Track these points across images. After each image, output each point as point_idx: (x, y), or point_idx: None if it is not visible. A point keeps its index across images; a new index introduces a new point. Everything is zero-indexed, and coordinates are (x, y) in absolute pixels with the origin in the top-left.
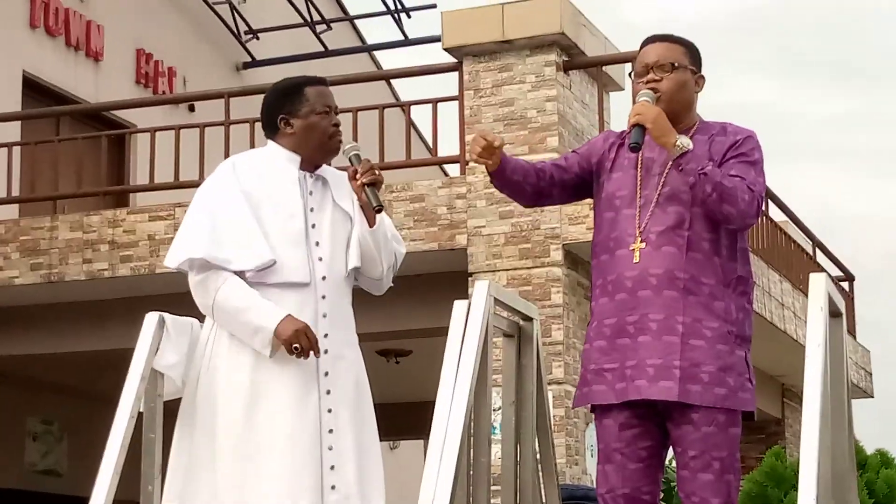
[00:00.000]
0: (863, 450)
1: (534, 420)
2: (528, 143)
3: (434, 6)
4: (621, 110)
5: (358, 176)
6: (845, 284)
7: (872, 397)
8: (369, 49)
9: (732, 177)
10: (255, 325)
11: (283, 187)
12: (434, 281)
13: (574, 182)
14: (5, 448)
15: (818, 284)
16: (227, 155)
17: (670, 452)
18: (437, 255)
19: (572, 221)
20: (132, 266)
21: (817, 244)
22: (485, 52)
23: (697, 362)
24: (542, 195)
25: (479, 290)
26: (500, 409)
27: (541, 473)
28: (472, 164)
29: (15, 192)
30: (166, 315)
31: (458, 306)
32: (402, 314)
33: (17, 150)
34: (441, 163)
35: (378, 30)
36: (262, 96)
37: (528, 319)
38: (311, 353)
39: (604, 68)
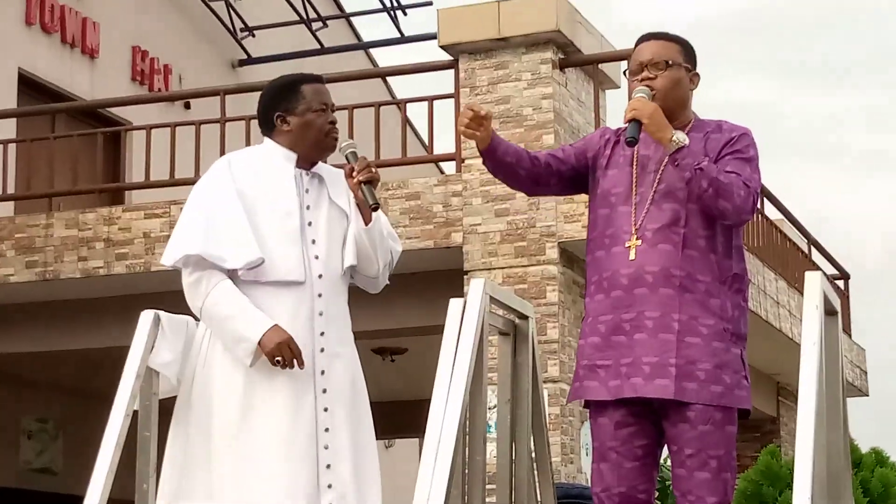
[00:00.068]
0: (858, 448)
1: (529, 418)
2: (524, 140)
3: (430, 3)
4: (617, 108)
5: (354, 173)
6: (840, 283)
7: (868, 396)
8: (365, 46)
9: (728, 173)
10: (240, 335)
11: (280, 185)
12: (430, 279)
13: (570, 174)
14: (0, 446)
15: (813, 282)
16: (222, 152)
17: (665, 451)
18: (432, 253)
19: (568, 219)
20: (128, 264)
21: (813, 242)
22: (481, 50)
23: (693, 360)
24: (539, 183)
25: (475, 288)
26: (495, 407)
27: (536, 472)
28: (467, 161)
29: (10, 190)
30: (162, 313)
31: (454, 304)
32: (397, 312)
33: (12, 147)
34: (437, 160)
35: (374, 27)
36: (258, 94)
37: (524, 317)
38: (297, 362)
39: (600, 66)
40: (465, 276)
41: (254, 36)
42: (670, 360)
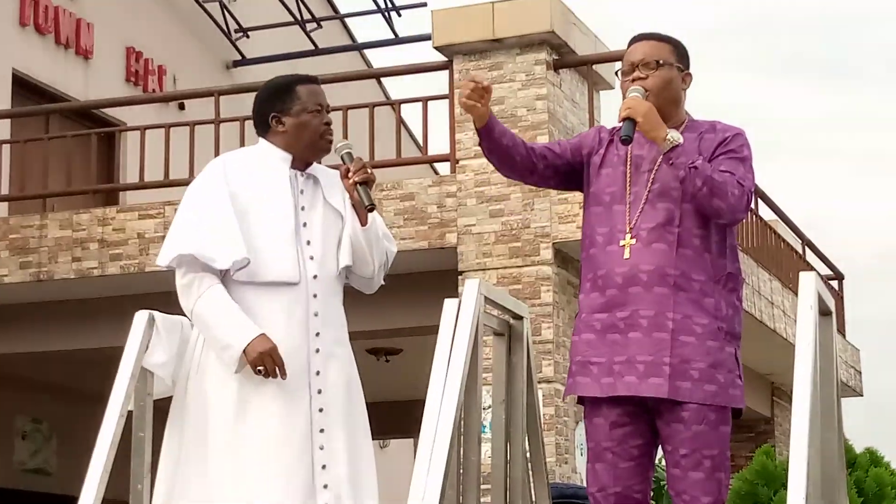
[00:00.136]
0: (852, 448)
1: (524, 418)
2: None
3: (424, 4)
4: (611, 109)
5: (350, 174)
6: (835, 283)
7: (862, 396)
8: (359, 47)
9: (722, 172)
10: (226, 342)
11: (275, 186)
12: (424, 279)
13: (565, 169)
14: None
15: (808, 283)
16: (217, 153)
17: (660, 451)
18: (427, 254)
19: (562, 220)
20: (122, 264)
21: (807, 243)
22: (475, 51)
23: (687, 359)
24: (534, 172)
25: (470, 288)
26: (489, 407)
27: (531, 472)
28: (462, 162)
29: (4, 191)
30: (156, 313)
31: (449, 305)
32: (392, 313)
33: (6, 147)
34: (431, 161)
35: (368, 28)
36: (252, 95)
37: (518, 318)
38: (279, 373)
39: (594, 67)
40: (460, 277)
41: (248, 37)
42: (664, 359)
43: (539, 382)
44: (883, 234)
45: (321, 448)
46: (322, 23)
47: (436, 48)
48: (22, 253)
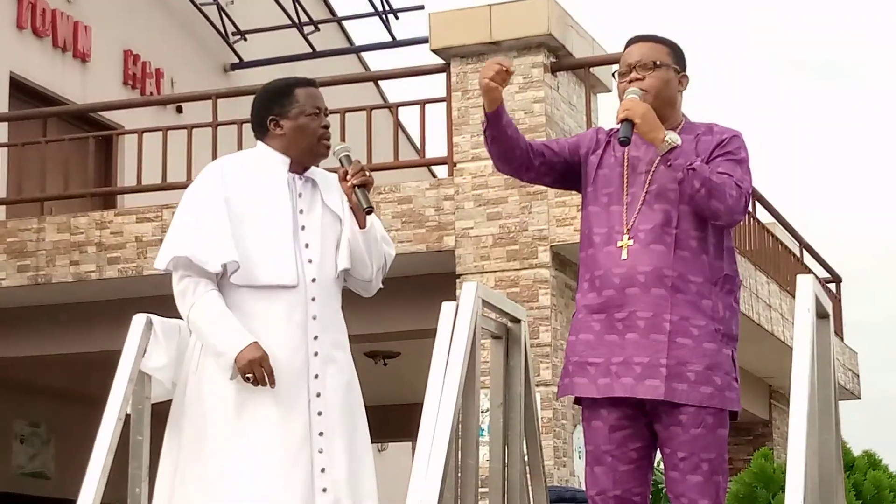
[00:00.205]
0: (850, 451)
1: (522, 422)
2: None
3: (422, 8)
4: (608, 111)
5: (348, 177)
6: (832, 286)
7: (860, 399)
8: (357, 50)
9: (720, 174)
10: (219, 350)
11: (273, 189)
12: (422, 283)
13: (562, 168)
14: None
15: (805, 286)
16: (214, 156)
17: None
18: (424, 257)
19: (560, 223)
20: (119, 268)
21: (804, 246)
22: (472, 54)
23: (684, 361)
24: (530, 169)
25: (467, 291)
26: (487, 410)
27: (529, 475)
28: (459, 165)
29: (2, 194)
30: (154, 317)
31: (446, 308)
32: (389, 316)
33: (3, 151)
34: (429, 164)
35: (366, 31)
36: (249, 98)
37: (516, 321)
38: (269, 381)
39: (591, 70)
40: (458, 280)
41: (245, 40)
42: (661, 361)
43: (537, 385)
44: (881, 235)
45: (320, 451)
46: (319, 26)
47: (433, 51)
48: (20, 256)
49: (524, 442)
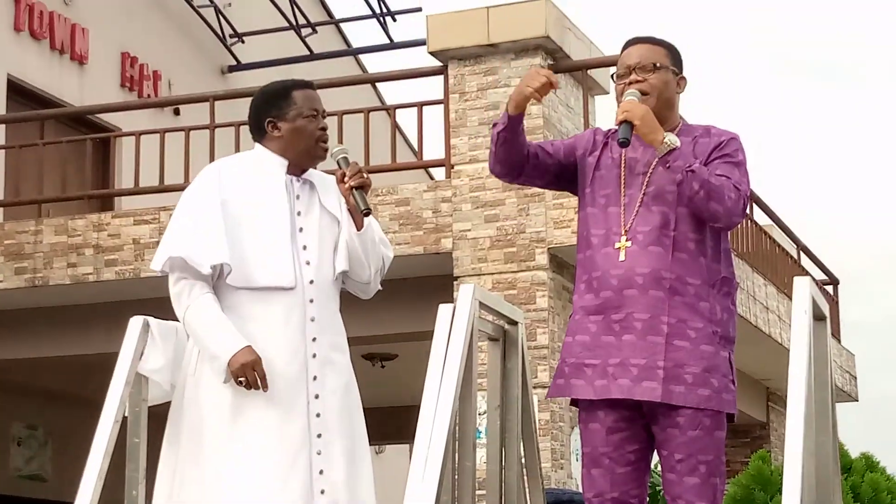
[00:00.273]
0: (847, 453)
1: (519, 424)
2: None
3: (419, 10)
4: (606, 114)
5: (346, 179)
6: (830, 288)
7: (857, 401)
8: (355, 53)
9: (719, 176)
10: (213, 353)
11: (270, 191)
12: (419, 285)
13: (555, 169)
14: None
15: (802, 288)
16: (212, 158)
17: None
18: (422, 259)
19: (558, 225)
20: (117, 270)
21: (802, 248)
22: (470, 56)
23: (681, 363)
24: (521, 173)
25: (465, 293)
26: (485, 413)
27: (526, 477)
28: (457, 167)
29: None
30: (151, 319)
31: (444, 310)
32: (387, 318)
33: (1, 153)
34: (426, 166)
35: (363, 33)
36: (247, 100)
37: (514, 323)
38: (261, 385)
39: (589, 72)
40: (455, 282)
41: (243, 42)
42: (658, 363)
43: (534, 388)
44: (878, 237)
45: (318, 453)
46: (317, 28)
47: (431, 53)
48: (17, 258)
49: (521, 444)
